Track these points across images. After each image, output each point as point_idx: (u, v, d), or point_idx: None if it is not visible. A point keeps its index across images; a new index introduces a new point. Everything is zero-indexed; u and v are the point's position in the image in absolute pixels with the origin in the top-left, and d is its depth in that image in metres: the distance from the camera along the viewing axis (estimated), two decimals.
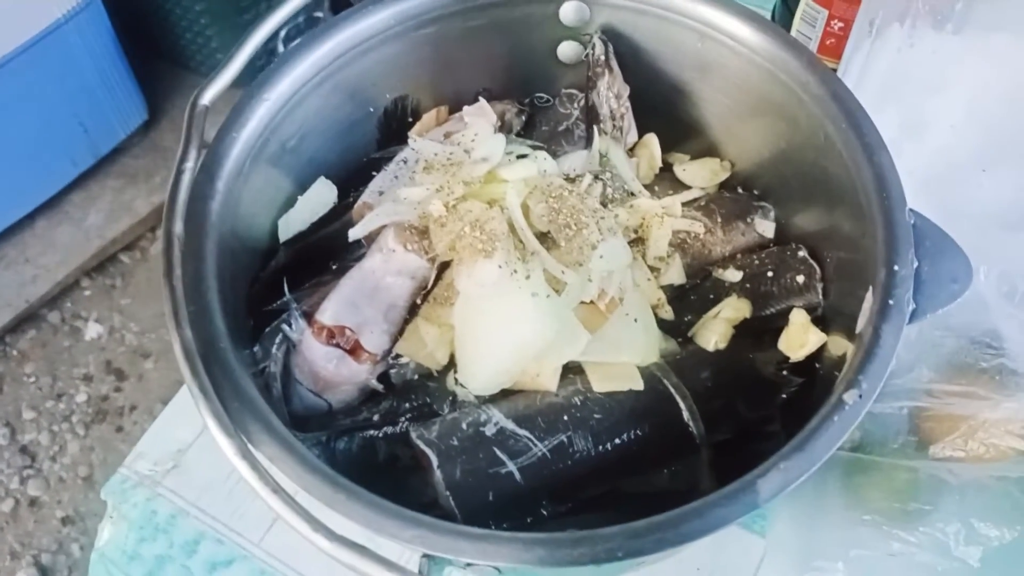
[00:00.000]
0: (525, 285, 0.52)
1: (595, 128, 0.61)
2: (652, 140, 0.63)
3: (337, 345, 0.53)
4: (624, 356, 0.53)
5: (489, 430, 0.51)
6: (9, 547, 1.37)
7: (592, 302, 0.53)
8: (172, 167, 0.49)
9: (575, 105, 0.64)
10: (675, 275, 0.58)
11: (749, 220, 0.60)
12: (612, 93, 0.61)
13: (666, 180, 0.63)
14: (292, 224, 0.59)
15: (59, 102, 1.42)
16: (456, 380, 0.54)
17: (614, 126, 0.61)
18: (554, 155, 0.60)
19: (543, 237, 0.54)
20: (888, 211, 0.48)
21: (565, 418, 0.51)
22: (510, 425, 0.51)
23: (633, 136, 0.63)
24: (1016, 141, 0.61)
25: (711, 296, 0.58)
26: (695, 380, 0.53)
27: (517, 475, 0.49)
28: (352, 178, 0.62)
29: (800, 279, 0.56)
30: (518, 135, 0.64)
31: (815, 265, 0.56)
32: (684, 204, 0.61)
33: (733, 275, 0.58)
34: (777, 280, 0.57)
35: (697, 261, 0.59)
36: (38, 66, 1.33)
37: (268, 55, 0.55)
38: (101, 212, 1.57)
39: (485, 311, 0.52)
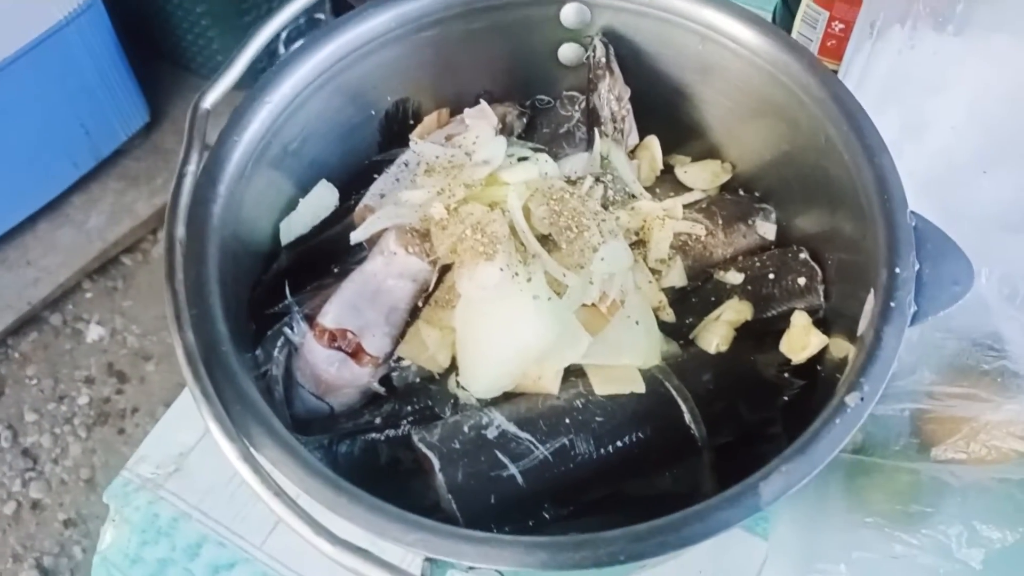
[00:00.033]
0: (526, 288, 0.52)
1: (596, 130, 0.61)
2: (653, 142, 0.63)
3: (339, 348, 0.53)
4: (625, 359, 0.53)
5: (491, 433, 0.51)
6: (11, 549, 1.37)
7: (593, 305, 0.53)
8: (173, 169, 0.49)
9: (576, 107, 0.64)
10: (676, 277, 0.58)
11: (750, 222, 0.60)
12: (613, 95, 0.61)
13: (667, 182, 0.63)
14: (294, 227, 0.59)
15: (60, 104, 1.42)
16: (458, 383, 0.54)
17: (615, 128, 0.61)
18: (555, 157, 0.60)
19: (544, 240, 0.54)
20: (889, 213, 0.48)
21: (567, 421, 0.51)
22: (512, 428, 0.51)
23: (634, 138, 0.63)
24: (1017, 142, 0.61)
25: (712, 298, 0.58)
26: (697, 382, 0.53)
27: (519, 478, 0.49)
28: (353, 181, 0.62)
29: (801, 281, 0.56)
30: (519, 137, 0.64)
31: (816, 267, 0.56)
32: (685, 206, 0.61)
33: (734, 277, 0.58)
34: (778, 282, 0.57)
35: (698, 263, 0.59)
36: (39, 68, 1.33)
37: (269, 57, 0.55)
38: (102, 214, 1.58)
39: (486, 314, 0.52)
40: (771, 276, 0.57)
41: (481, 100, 0.63)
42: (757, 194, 0.63)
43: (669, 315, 0.57)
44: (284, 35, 0.56)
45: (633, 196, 0.60)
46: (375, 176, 0.61)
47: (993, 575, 0.52)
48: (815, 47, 0.75)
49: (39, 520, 1.39)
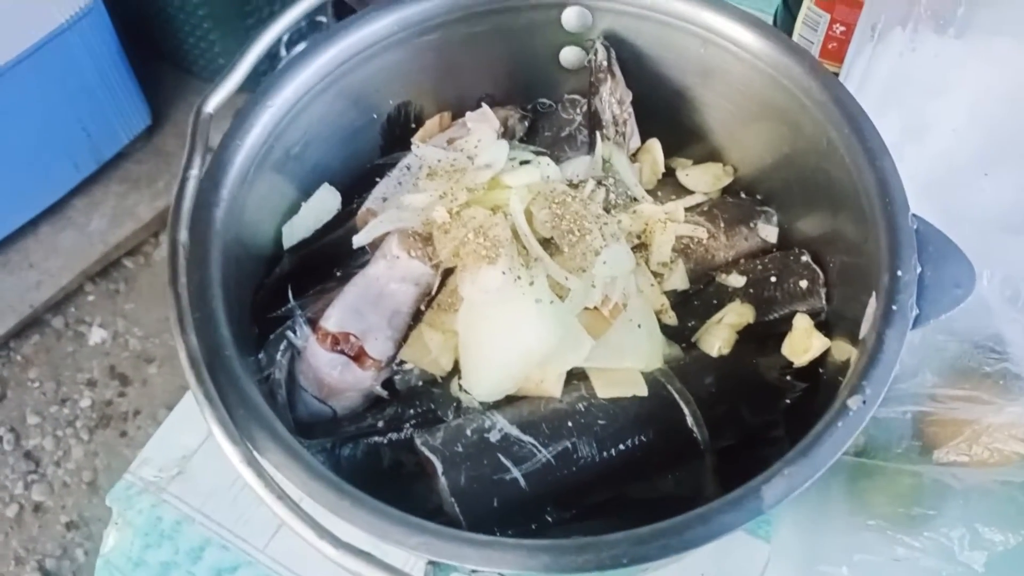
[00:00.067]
0: (529, 291, 0.52)
1: (598, 134, 0.62)
2: (655, 145, 0.64)
3: (342, 352, 0.53)
4: (628, 362, 0.54)
5: (493, 436, 0.51)
6: (14, 552, 1.37)
7: (596, 308, 0.53)
8: (175, 172, 0.49)
9: (577, 111, 0.64)
10: (678, 280, 0.58)
11: (752, 225, 0.60)
12: (615, 99, 0.61)
13: (669, 185, 0.63)
14: (296, 231, 0.59)
15: (62, 106, 1.42)
16: (460, 386, 0.54)
17: (617, 131, 0.61)
18: (557, 161, 0.60)
19: (546, 243, 0.55)
20: (891, 216, 0.48)
21: (569, 424, 0.51)
22: (514, 431, 0.51)
23: (636, 141, 0.63)
24: (1018, 144, 0.62)
25: (714, 301, 0.58)
26: (699, 386, 0.54)
27: (522, 481, 0.50)
28: (356, 184, 0.62)
29: (803, 284, 0.56)
30: (521, 141, 0.64)
31: (818, 270, 0.57)
32: (687, 209, 0.61)
33: (736, 280, 0.58)
34: (780, 285, 0.57)
35: (700, 266, 0.59)
36: (41, 71, 1.33)
37: (270, 59, 0.56)
38: (104, 217, 1.58)
39: (489, 317, 0.52)
40: (773, 279, 0.57)
41: (483, 104, 0.63)
42: (759, 197, 0.63)
43: (671, 318, 0.57)
44: (285, 38, 0.56)
45: (635, 199, 0.60)
46: (377, 180, 0.61)
47: None
48: (816, 50, 0.75)
49: (41, 523, 1.40)
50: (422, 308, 0.55)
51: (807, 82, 0.54)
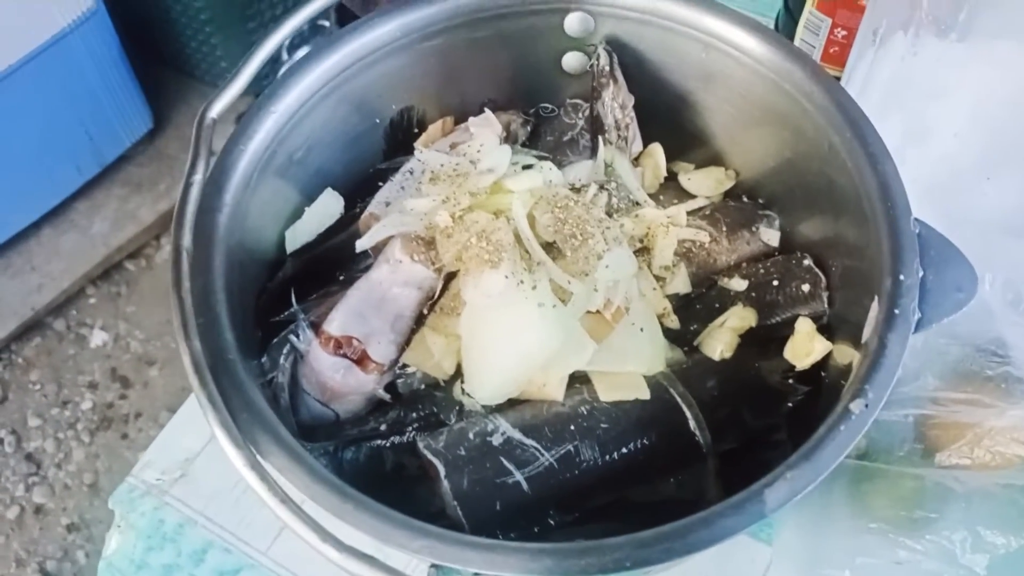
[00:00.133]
0: (531, 295, 0.52)
1: (600, 138, 0.62)
2: (657, 150, 0.64)
3: (344, 355, 0.53)
4: (630, 365, 0.54)
5: (496, 440, 0.51)
6: (15, 554, 1.37)
7: (598, 312, 0.53)
8: (177, 175, 0.50)
9: (580, 115, 0.64)
10: (681, 284, 0.58)
11: (754, 229, 0.60)
12: (617, 103, 0.61)
13: (671, 189, 0.63)
14: (299, 235, 0.59)
15: (64, 110, 1.42)
16: (463, 390, 0.54)
17: (619, 136, 0.62)
18: (559, 165, 0.60)
19: (549, 247, 0.55)
20: (893, 220, 0.49)
21: (572, 428, 0.51)
22: (517, 435, 0.51)
23: (638, 146, 0.63)
24: (1020, 148, 0.62)
25: (717, 305, 0.58)
26: (701, 389, 0.54)
27: (524, 485, 0.50)
28: (358, 189, 0.62)
29: (805, 288, 0.56)
30: (523, 145, 0.64)
31: (820, 274, 0.57)
32: (689, 213, 0.61)
33: (738, 284, 0.58)
34: (782, 289, 0.57)
35: (702, 270, 0.59)
36: (43, 75, 1.34)
37: (272, 62, 0.56)
38: (106, 220, 1.58)
39: (492, 321, 0.52)
40: (775, 283, 0.57)
41: (485, 108, 0.63)
42: (761, 201, 0.63)
43: (673, 322, 0.57)
44: (287, 42, 0.56)
45: (637, 203, 0.61)
46: (380, 184, 0.61)
47: None
48: (818, 54, 0.75)
49: (42, 525, 1.40)
50: (425, 312, 0.55)
51: (809, 86, 0.54)
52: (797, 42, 0.76)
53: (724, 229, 0.60)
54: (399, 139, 0.64)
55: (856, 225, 0.52)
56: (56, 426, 1.48)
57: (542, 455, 0.50)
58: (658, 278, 0.58)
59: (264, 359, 0.54)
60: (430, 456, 0.50)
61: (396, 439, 0.54)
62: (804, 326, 0.55)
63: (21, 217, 1.51)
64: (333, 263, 0.59)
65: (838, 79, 0.66)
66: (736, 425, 0.54)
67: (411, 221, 0.55)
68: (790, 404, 0.54)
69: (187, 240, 0.48)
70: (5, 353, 1.53)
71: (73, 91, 1.40)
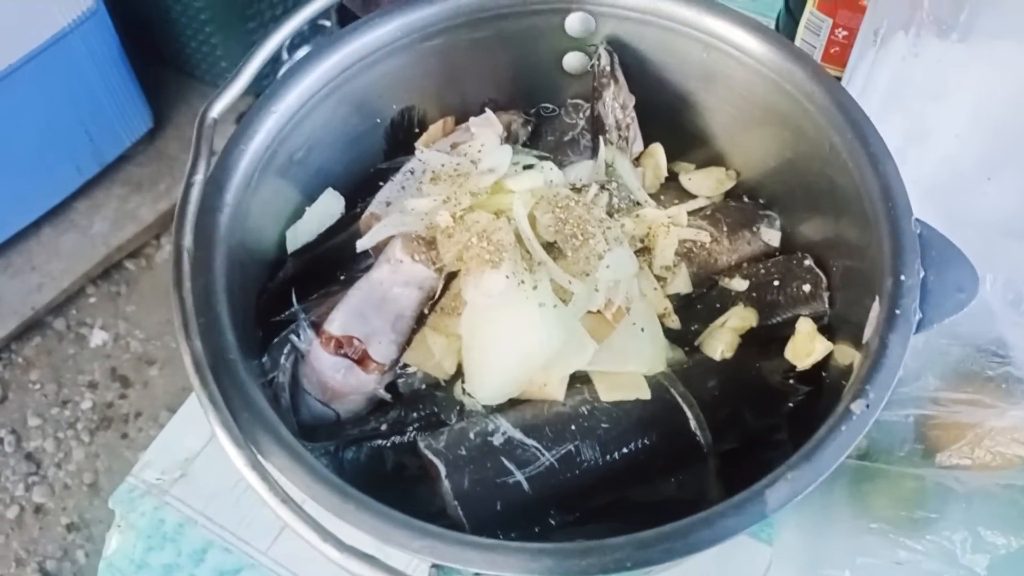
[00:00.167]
0: (532, 295, 0.52)
1: (601, 138, 0.62)
2: (658, 150, 0.64)
3: (345, 355, 0.53)
4: (631, 365, 0.54)
5: (497, 440, 0.51)
6: (15, 554, 1.37)
7: (599, 312, 0.53)
8: (177, 175, 0.50)
9: (580, 115, 0.64)
10: (681, 284, 0.58)
11: (755, 229, 0.60)
12: (618, 103, 0.61)
13: (672, 189, 0.63)
14: (300, 235, 0.59)
15: (64, 110, 1.42)
16: (464, 390, 0.54)
17: (620, 136, 0.62)
18: (560, 165, 0.60)
19: (550, 247, 0.55)
20: (894, 220, 0.49)
21: (572, 427, 0.51)
22: (518, 435, 0.51)
23: (639, 146, 0.63)
24: (1021, 148, 0.62)
25: (717, 305, 0.58)
26: (702, 389, 0.54)
27: (525, 485, 0.50)
28: (359, 189, 0.62)
29: (806, 288, 0.56)
30: (524, 146, 0.64)
31: (821, 274, 0.57)
32: (690, 213, 0.61)
33: (739, 284, 0.58)
34: (783, 289, 0.57)
35: (703, 270, 0.59)
36: (43, 75, 1.34)
37: (272, 62, 0.56)
38: (106, 220, 1.58)
39: (492, 321, 0.52)
40: (776, 283, 0.57)
41: (486, 108, 0.63)
42: (761, 201, 0.63)
43: (674, 322, 0.57)
44: (287, 42, 0.56)
45: (638, 203, 0.61)
46: (381, 184, 0.61)
47: None
48: (818, 54, 0.75)
49: (42, 524, 1.40)
50: (425, 312, 0.55)
51: (810, 87, 0.54)
52: (798, 42, 0.76)
53: (725, 229, 0.60)
54: (400, 139, 0.64)
55: (857, 225, 0.52)
56: (56, 426, 1.48)
57: (543, 455, 0.50)
58: (659, 278, 0.58)
59: (265, 359, 0.54)
60: (431, 456, 0.50)
61: (397, 439, 0.54)
62: (805, 326, 0.55)
63: (21, 217, 1.51)
64: (334, 263, 0.59)
65: (839, 79, 0.66)
66: (737, 425, 0.54)
67: (412, 221, 0.55)
68: (791, 404, 0.54)
69: (188, 240, 0.48)
70: (5, 352, 1.53)
71: (73, 91, 1.40)
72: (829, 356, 0.54)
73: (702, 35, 0.58)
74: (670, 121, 0.63)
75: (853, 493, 0.57)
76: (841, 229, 0.55)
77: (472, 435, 0.51)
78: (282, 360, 0.54)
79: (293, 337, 0.55)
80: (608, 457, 0.51)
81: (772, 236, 0.61)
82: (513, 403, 0.53)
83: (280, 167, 0.56)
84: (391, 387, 0.55)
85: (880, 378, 0.44)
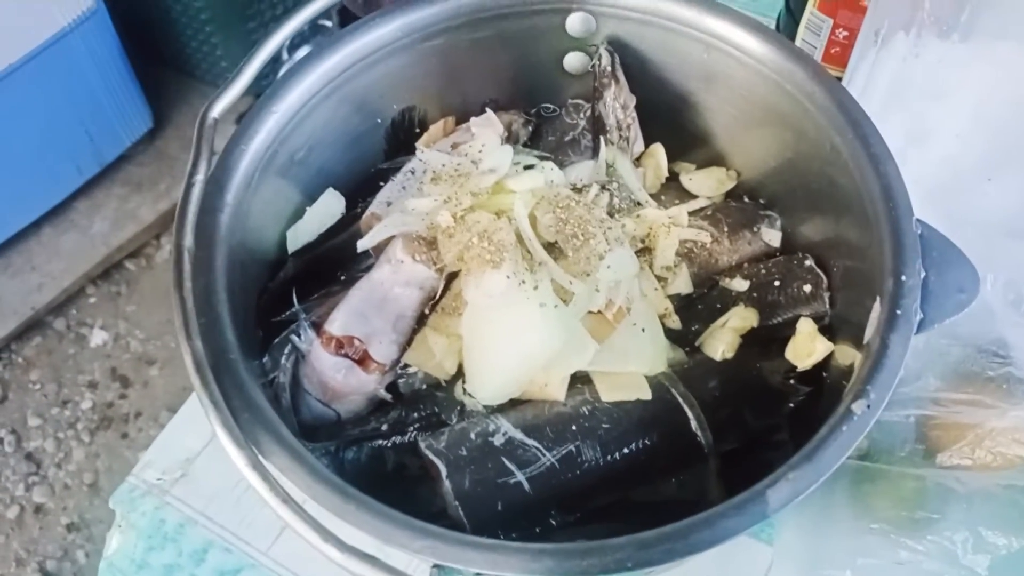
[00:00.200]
0: (533, 295, 0.52)
1: (602, 138, 0.62)
2: (658, 150, 0.64)
3: (346, 355, 0.53)
4: (632, 366, 0.54)
5: (498, 440, 0.51)
6: (15, 554, 1.37)
7: (600, 312, 0.53)
8: (177, 175, 0.50)
9: (581, 115, 0.64)
10: (682, 284, 0.58)
11: (755, 229, 0.60)
12: (618, 103, 0.61)
13: (672, 190, 0.63)
14: (300, 235, 0.59)
15: (64, 110, 1.42)
16: (464, 390, 0.54)
17: (620, 136, 0.62)
18: (561, 165, 0.60)
19: (550, 247, 0.55)
20: (895, 221, 0.48)
21: (573, 428, 0.51)
22: (519, 435, 0.51)
23: (639, 146, 0.63)
24: (1022, 149, 0.62)
25: (718, 305, 0.58)
26: (703, 389, 0.54)
27: (526, 485, 0.50)
28: (360, 189, 0.62)
29: (807, 288, 0.56)
30: (525, 146, 0.64)
31: (822, 274, 0.57)
32: (690, 213, 0.61)
33: (740, 284, 0.58)
34: (784, 289, 0.57)
35: (704, 270, 0.59)
36: (43, 74, 1.34)
37: (273, 61, 0.56)
38: (106, 220, 1.58)
39: (493, 321, 0.52)
40: (776, 283, 0.57)
41: (487, 108, 0.63)
42: (762, 201, 0.63)
43: (675, 322, 0.57)
44: (287, 42, 0.56)
45: (639, 204, 0.61)
46: (381, 184, 0.61)
47: None
48: (819, 54, 0.75)
49: (42, 524, 1.40)
50: (426, 312, 0.55)
51: (810, 87, 0.54)
52: (798, 43, 0.76)
53: (725, 229, 0.60)
54: (400, 139, 0.64)
55: (858, 226, 0.52)
56: (56, 426, 1.48)
57: (544, 455, 0.50)
58: (660, 278, 0.58)
59: (265, 359, 0.54)
60: (432, 456, 0.50)
61: (398, 439, 0.54)
62: (806, 326, 0.55)
63: (21, 217, 1.51)
64: (334, 263, 0.59)
65: (839, 80, 0.66)
66: (738, 425, 0.54)
67: (412, 221, 0.55)
68: (791, 404, 0.54)
69: (189, 240, 0.48)
70: (5, 352, 1.53)
71: (73, 90, 1.40)
72: (830, 356, 0.54)
73: (703, 35, 0.58)
74: (671, 121, 0.63)
75: (854, 493, 0.57)
76: (842, 229, 0.55)
77: (473, 435, 0.51)
78: (283, 360, 0.54)
79: (294, 337, 0.55)
80: (609, 457, 0.51)
81: (773, 236, 0.60)
82: (514, 403, 0.53)
83: (281, 167, 0.56)
84: (392, 387, 0.55)
85: (881, 378, 0.44)
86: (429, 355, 0.54)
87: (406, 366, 0.55)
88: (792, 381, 0.55)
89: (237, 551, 0.63)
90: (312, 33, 0.58)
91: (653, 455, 0.52)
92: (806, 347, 0.55)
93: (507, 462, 0.50)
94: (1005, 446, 0.55)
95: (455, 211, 0.54)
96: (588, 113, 0.64)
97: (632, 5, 0.59)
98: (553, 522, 0.50)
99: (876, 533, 0.54)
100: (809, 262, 0.57)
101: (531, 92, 0.66)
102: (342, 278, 0.58)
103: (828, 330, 0.56)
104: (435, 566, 0.43)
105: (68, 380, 1.52)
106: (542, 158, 0.60)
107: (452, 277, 0.55)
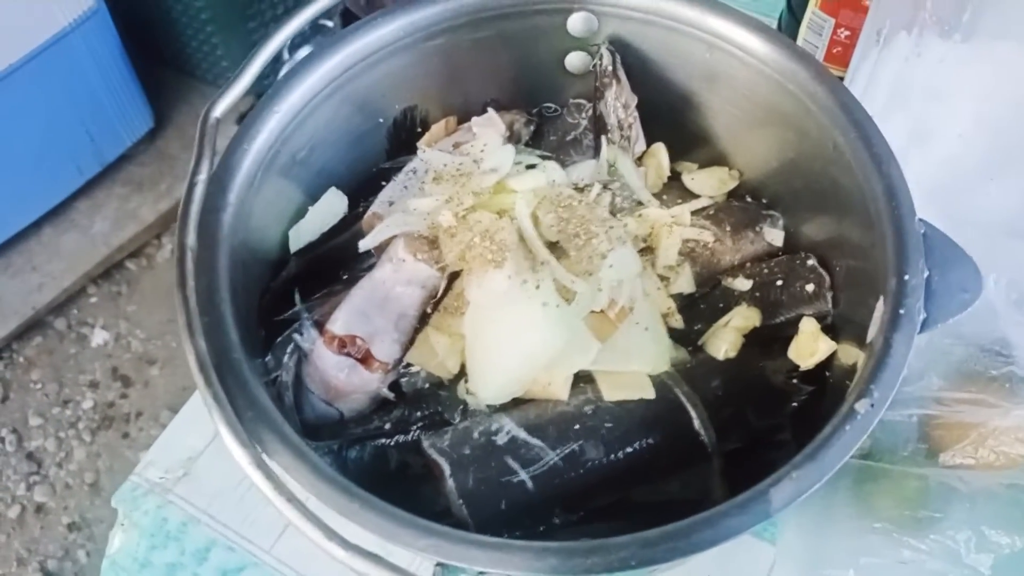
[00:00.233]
0: (535, 295, 0.52)
1: (603, 138, 0.62)
2: (660, 149, 0.64)
3: (348, 354, 0.53)
4: (634, 365, 0.54)
5: (501, 439, 0.51)
6: (16, 553, 1.37)
7: (602, 311, 0.53)
8: (178, 174, 0.50)
9: (583, 115, 0.64)
10: (685, 284, 0.58)
11: (758, 229, 0.60)
12: (620, 103, 0.61)
13: (674, 189, 0.63)
14: (302, 234, 0.59)
15: (65, 110, 1.42)
16: (467, 389, 0.54)
17: (622, 136, 0.62)
18: (562, 165, 0.60)
19: (553, 247, 0.55)
20: (898, 220, 0.48)
21: (576, 427, 0.51)
22: (522, 434, 0.51)
23: (641, 145, 0.63)
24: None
25: (721, 305, 0.58)
26: (705, 389, 0.54)
27: (529, 484, 0.50)
28: (362, 188, 0.62)
29: (809, 288, 0.56)
30: (526, 145, 0.64)
31: (824, 274, 0.57)
32: (693, 213, 0.61)
33: (742, 284, 0.58)
34: (786, 289, 0.57)
35: (706, 270, 0.59)
36: (44, 74, 1.34)
37: (273, 62, 0.56)
38: (107, 220, 1.58)
39: (495, 320, 0.52)
40: (779, 282, 0.58)
41: (489, 108, 0.63)
42: (764, 201, 0.63)
43: (678, 321, 0.57)
44: (288, 41, 0.56)
45: (641, 203, 0.61)
46: (383, 184, 0.61)
47: None
48: (820, 54, 0.75)
49: (43, 524, 1.40)
50: (428, 311, 0.56)
51: (813, 87, 0.54)
52: (800, 42, 0.76)
53: (728, 229, 0.60)
54: (402, 139, 0.64)
55: (860, 225, 0.52)
56: (57, 425, 1.48)
57: (547, 454, 0.50)
58: (662, 278, 0.58)
59: (268, 358, 0.54)
60: (435, 455, 0.50)
61: (400, 438, 0.54)
62: (808, 326, 0.55)
63: (22, 217, 1.51)
64: (336, 262, 0.59)
65: (841, 79, 0.66)
66: (740, 425, 0.54)
67: (414, 220, 0.55)
68: (794, 404, 0.54)
69: (192, 238, 0.48)
70: (6, 352, 1.53)
71: (74, 90, 1.40)
72: (832, 356, 0.54)
73: (705, 35, 0.58)
74: (673, 121, 0.63)
75: (857, 493, 0.57)
76: (844, 229, 0.55)
77: (476, 434, 0.51)
78: (285, 359, 0.54)
79: (296, 336, 0.55)
80: (612, 456, 0.51)
81: (775, 236, 0.61)
82: (517, 402, 0.53)
83: (283, 166, 0.56)
84: (394, 386, 0.55)
85: (884, 378, 0.44)
86: (431, 354, 0.54)
87: (409, 365, 0.55)
88: (795, 380, 0.55)
89: (240, 550, 0.63)
90: (313, 33, 0.58)
91: (656, 454, 0.52)
92: (809, 346, 0.55)
93: (510, 461, 0.50)
94: (1008, 445, 0.55)
95: (457, 210, 0.54)
96: (590, 113, 0.64)
97: (634, 5, 0.59)
98: (556, 521, 0.50)
99: (879, 532, 0.54)
100: (812, 261, 0.57)
101: (533, 92, 0.66)
102: (344, 277, 0.58)
103: (831, 329, 0.56)
104: (439, 564, 0.42)
105: (69, 380, 1.52)
106: (544, 158, 0.60)
107: (454, 277, 0.55)
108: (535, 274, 0.53)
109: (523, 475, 0.50)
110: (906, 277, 0.47)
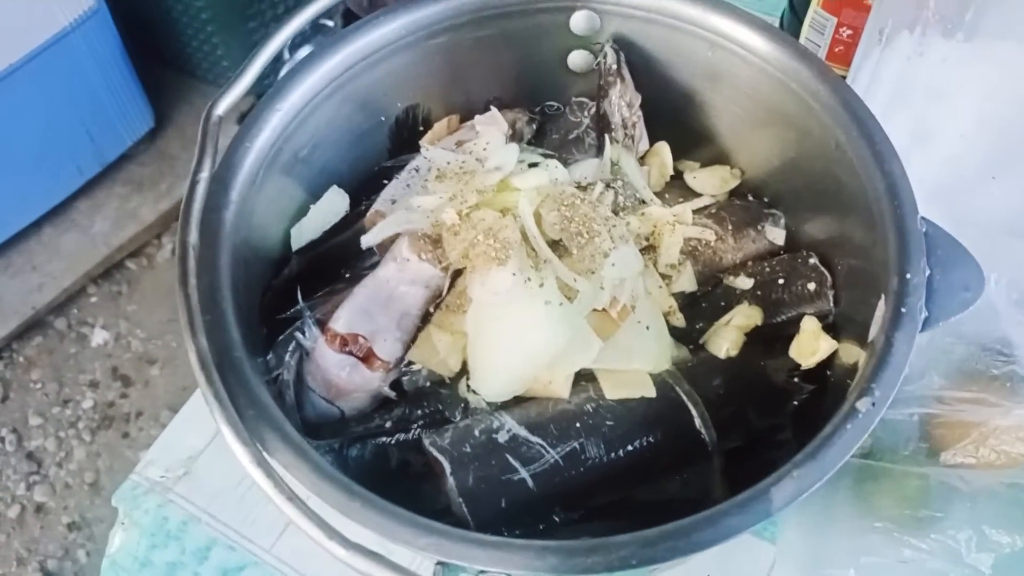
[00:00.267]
0: (538, 293, 0.52)
1: (606, 136, 0.62)
2: (663, 148, 0.64)
3: (350, 353, 0.53)
4: (636, 363, 0.54)
5: (502, 437, 0.51)
6: (16, 553, 1.37)
7: (604, 310, 0.53)
8: (178, 174, 0.50)
9: (585, 113, 0.64)
10: (686, 282, 0.58)
11: (760, 227, 0.60)
12: (624, 102, 0.61)
13: (677, 188, 0.64)
14: (304, 233, 0.59)
15: (65, 110, 1.42)
16: (468, 387, 0.54)
17: (626, 134, 0.62)
18: (565, 163, 0.60)
19: (555, 245, 0.55)
20: (900, 219, 0.48)
21: (577, 425, 0.51)
22: (523, 432, 0.51)
23: (645, 144, 0.63)
24: None
25: (722, 303, 0.58)
26: (707, 387, 0.54)
27: (530, 482, 0.50)
28: (364, 187, 0.62)
29: (811, 286, 0.56)
30: (529, 143, 0.64)
31: (826, 272, 0.57)
32: (695, 212, 0.61)
33: (744, 282, 0.58)
34: (788, 287, 0.57)
35: (708, 268, 0.59)
36: (44, 74, 1.34)
37: (274, 61, 0.56)
38: (107, 219, 1.58)
39: (498, 319, 0.52)
40: (781, 281, 0.58)
41: (491, 106, 0.63)
42: (766, 200, 0.63)
43: (679, 320, 0.57)
44: (289, 41, 0.56)
45: (643, 202, 0.61)
46: (385, 182, 0.61)
47: None
48: (823, 53, 0.75)
49: (43, 523, 1.40)
50: (431, 309, 0.55)
51: (815, 86, 0.54)
52: (802, 41, 0.76)
53: (730, 228, 0.60)
54: (404, 137, 0.64)
55: (863, 224, 0.52)
56: (57, 425, 1.48)
57: (548, 452, 0.50)
58: (664, 276, 0.58)
59: (270, 356, 0.54)
60: (436, 453, 0.50)
61: (401, 436, 0.54)
62: (810, 325, 0.55)
63: (22, 216, 1.51)
64: (338, 261, 0.59)
65: (843, 78, 0.66)
66: (741, 423, 0.54)
67: (417, 219, 0.55)
68: (795, 403, 0.54)
69: (194, 236, 0.48)
70: (6, 352, 1.53)
71: (74, 90, 1.40)
72: (834, 355, 0.54)
73: (708, 34, 0.58)
74: (675, 119, 0.63)
75: (857, 492, 0.57)
76: (846, 228, 0.55)
77: (477, 432, 0.51)
78: (287, 358, 0.54)
79: (298, 335, 0.55)
80: (613, 455, 0.51)
81: (777, 235, 0.61)
82: (518, 400, 0.53)
83: (285, 165, 0.56)
84: (396, 385, 0.55)
85: (886, 376, 0.44)
86: (433, 352, 0.54)
87: (410, 363, 0.55)
88: (796, 379, 0.55)
89: (240, 549, 0.63)
90: (314, 33, 0.58)
91: (657, 453, 0.52)
92: (810, 345, 0.55)
93: (511, 459, 0.50)
94: (1009, 444, 0.55)
95: (460, 209, 0.54)
96: (592, 111, 0.64)
97: (636, 3, 0.59)
98: (557, 519, 0.50)
99: (879, 532, 0.54)
100: (813, 260, 0.57)
101: (535, 90, 0.66)
102: (346, 276, 0.58)
103: (832, 328, 0.56)
104: (439, 563, 0.42)
105: (69, 379, 1.52)
106: (547, 156, 0.60)
107: (457, 274, 0.55)
108: (538, 272, 0.53)
109: (524, 473, 0.50)
110: (908, 276, 0.47)
